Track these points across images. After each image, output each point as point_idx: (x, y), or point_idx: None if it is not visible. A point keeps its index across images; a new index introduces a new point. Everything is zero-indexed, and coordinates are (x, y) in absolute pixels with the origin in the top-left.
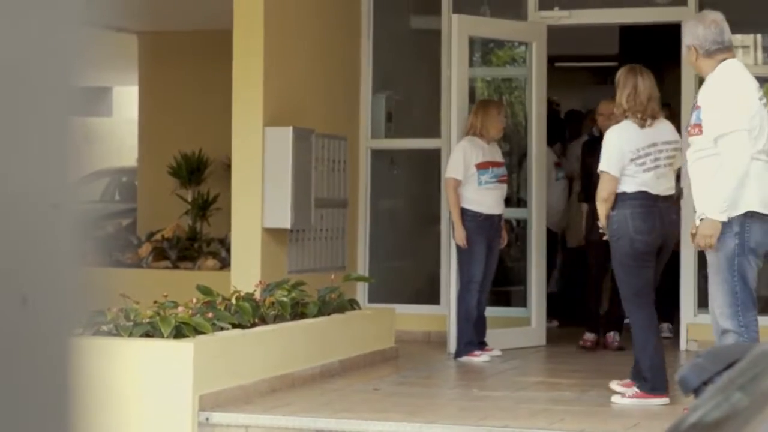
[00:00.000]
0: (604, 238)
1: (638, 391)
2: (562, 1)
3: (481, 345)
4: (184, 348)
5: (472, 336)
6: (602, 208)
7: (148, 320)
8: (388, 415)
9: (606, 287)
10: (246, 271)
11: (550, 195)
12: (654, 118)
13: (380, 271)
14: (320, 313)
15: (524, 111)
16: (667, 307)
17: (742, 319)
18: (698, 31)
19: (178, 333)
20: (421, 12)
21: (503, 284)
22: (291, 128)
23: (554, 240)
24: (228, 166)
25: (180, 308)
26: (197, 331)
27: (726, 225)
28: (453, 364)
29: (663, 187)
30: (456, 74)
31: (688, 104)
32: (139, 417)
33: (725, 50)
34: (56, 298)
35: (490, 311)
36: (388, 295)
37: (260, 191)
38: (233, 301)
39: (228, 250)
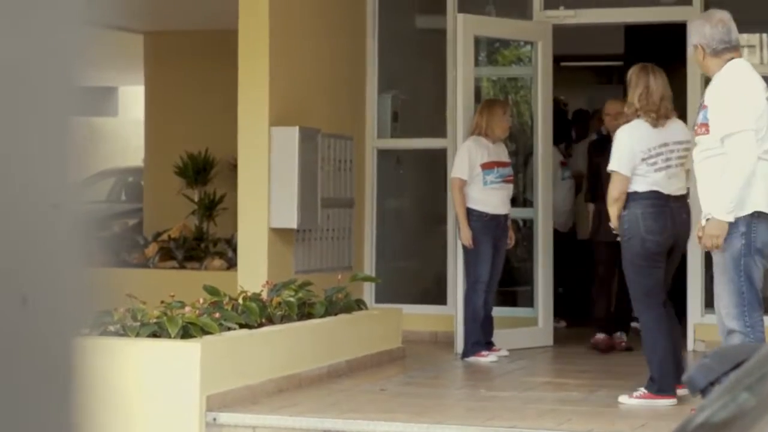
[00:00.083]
0: (617, 239)
1: (646, 391)
2: (567, 0)
3: (489, 345)
4: (191, 348)
5: (479, 336)
6: (613, 208)
7: (155, 320)
8: (395, 415)
9: (613, 287)
10: (253, 271)
11: (556, 195)
12: (667, 117)
13: (387, 271)
14: (327, 313)
15: (530, 110)
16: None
17: (748, 319)
18: (705, 30)
19: (185, 333)
20: (427, 11)
21: (510, 284)
22: (297, 128)
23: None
24: (234, 166)
25: (187, 308)
26: (204, 332)
27: (732, 225)
28: (460, 365)
29: (674, 187)
30: (461, 74)
31: (694, 104)
32: (146, 417)
33: (732, 49)
34: (57, 298)
35: (497, 311)
36: (394, 295)
37: (267, 191)
38: (240, 301)
39: (235, 250)
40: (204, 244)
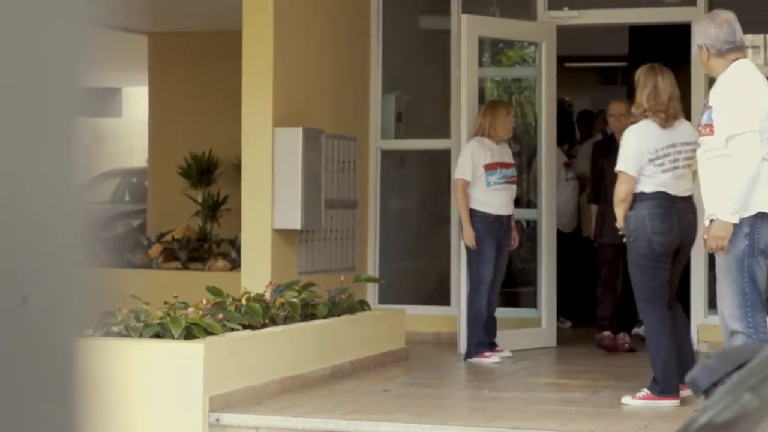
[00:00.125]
0: (623, 240)
1: (649, 392)
2: (571, 1)
3: (492, 346)
4: (195, 349)
5: (483, 337)
6: (620, 209)
7: (158, 321)
8: (398, 416)
9: (618, 288)
10: (256, 272)
11: (559, 195)
12: (675, 118)
13: (390, 271)
14: (330, 314)
15: (534, 111)
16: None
17: (751, 320)
18: (710, 30)
19: (189, 334)
20: (431, 12)
21: (513, 285)
22: (301, 129)
23: (564, 240)
24: (238, 167)
25: (190, 309)
26: (207, 332)
27: (736, 226)
28: (463, 365)
29: (681, 188)
30: (465, 74)
31: (698, 104)
32: (149, 418)
33: (737, 50)
34: (57, 298)
35: (501, 312)
36: (398, 295)
37: (270, 192)
38: (243, 302)
39: (238, 251)
40: (207, 245)
